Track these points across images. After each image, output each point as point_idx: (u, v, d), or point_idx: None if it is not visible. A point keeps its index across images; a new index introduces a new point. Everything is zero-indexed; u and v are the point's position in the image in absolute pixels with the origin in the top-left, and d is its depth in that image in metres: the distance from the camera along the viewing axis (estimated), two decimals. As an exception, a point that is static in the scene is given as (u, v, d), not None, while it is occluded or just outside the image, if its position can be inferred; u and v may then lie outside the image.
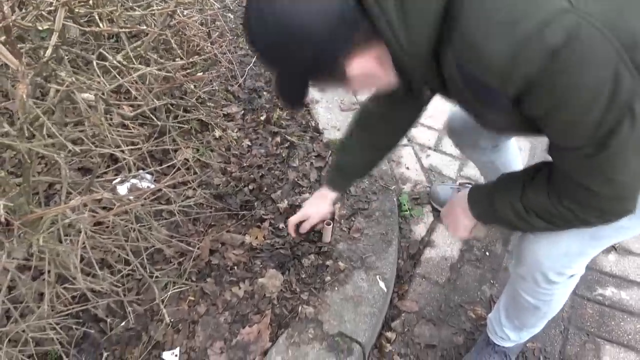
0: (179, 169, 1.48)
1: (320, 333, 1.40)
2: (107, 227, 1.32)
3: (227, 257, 1.56)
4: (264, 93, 2.06)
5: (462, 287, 1.64)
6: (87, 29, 0.88)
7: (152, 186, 1.59)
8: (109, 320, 1.36)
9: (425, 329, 1.54)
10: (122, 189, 1.64)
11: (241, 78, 2.00)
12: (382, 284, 1.52)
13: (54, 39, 0.81)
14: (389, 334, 1.52)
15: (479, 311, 1.57)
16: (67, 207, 0.89)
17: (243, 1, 2.49)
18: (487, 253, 1.74)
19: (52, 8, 0.85)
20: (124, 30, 0.95)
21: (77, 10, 0.91)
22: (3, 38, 0.76)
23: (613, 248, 1.77)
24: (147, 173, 1.69)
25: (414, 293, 1.62)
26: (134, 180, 1.62)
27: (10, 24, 0.73)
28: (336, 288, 1.50)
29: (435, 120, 2.15)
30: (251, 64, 2.10)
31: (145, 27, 1.08)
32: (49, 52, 0.79)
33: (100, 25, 0.96)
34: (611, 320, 1.56)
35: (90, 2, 0.95)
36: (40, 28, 0.81)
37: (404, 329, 1.54)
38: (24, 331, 1.09)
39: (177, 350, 1.38)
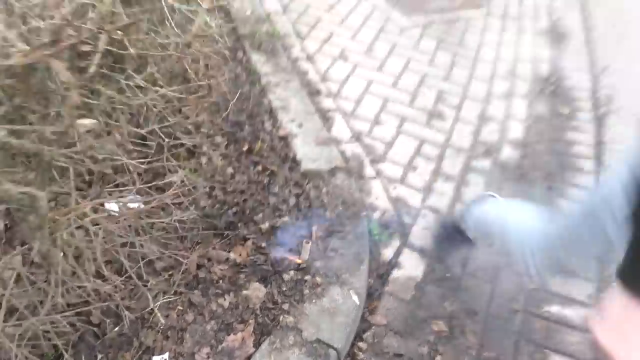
0: (169, 188, 1.61)
1: (299, 340, 1.53)
2: (103, 237, 1.44)
3: (213, 271, 1.69)
4: (246, 126, 2.23)
5: (426, 304, 1.81)
6: (122, 51, 1.04)
7: (142, 205, 1.71)
8: (105, 323, 1.45)
9: (393, 340, 1.69)
10: (113, 206, 1.75)
11: (225, 112, 2.17)
12: (355, 298, 1.68)
13: (97, 59, 0.97)
14: (361, 344, 1.66)
15: (441, 325, 1.74)
16: (88, 205, 1.02)
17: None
18: (448, 274, 1.92)
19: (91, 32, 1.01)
20: (151, 54, 1.11)
21: (113, 36, 1.07)
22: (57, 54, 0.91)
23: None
24: (136, 193, 1.81)
25: (383, 309, 1.78)
26: (126, 199, 1.74)
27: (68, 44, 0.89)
28: (314, 300, 1.64)
29: (402, 156, 2.36)
30: (234, 100, 2.27)
31: (168, 52, 1.25)
32: (92, 69, 0.95)
33: (131, 50, 1.12)
34: (557, 334, 1.76)
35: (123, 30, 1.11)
36: (84, 49, 0.97)
37: (374, 340, 1.68)
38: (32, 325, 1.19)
39: (166, 355, 1.48)
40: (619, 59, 3.21)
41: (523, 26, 3.50)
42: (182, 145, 1.90)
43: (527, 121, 2.68)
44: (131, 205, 1.76)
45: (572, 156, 2.50)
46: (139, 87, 1.21)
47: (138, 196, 1.82)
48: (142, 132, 1.34)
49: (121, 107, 1.23)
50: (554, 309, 1.84)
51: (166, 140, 1.74)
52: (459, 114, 2.65)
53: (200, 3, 1.71)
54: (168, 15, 1.51)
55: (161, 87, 1.31)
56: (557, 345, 1.72)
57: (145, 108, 1.41)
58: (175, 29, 1.51)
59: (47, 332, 1.24)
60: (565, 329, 1.78)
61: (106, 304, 1.40)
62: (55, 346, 1.32)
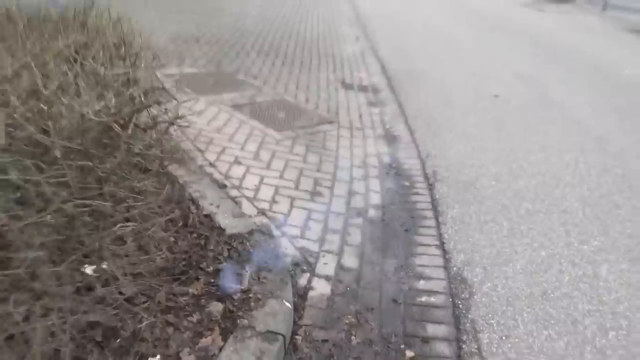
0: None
1: (255, 332, 2.10)
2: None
3: (178, 301, 2.21)
4: (177, 210, 2.84)
5: (337, 308, 2.47)
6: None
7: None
8: (107, 340, 1.90)
9: (320, 332, 2.30)
10: (88, 270, 2.22)
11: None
12: (287, 304, 2.30)
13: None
14: (297, 337, 2.25)
15: (350, 318, 2.40)
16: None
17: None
18: (348, 289, 2.61)
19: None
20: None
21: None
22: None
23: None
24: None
25: (307, 315, 2.40)
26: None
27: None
28: (259, 308, 2.23)
29: (298, 221, 3.10)
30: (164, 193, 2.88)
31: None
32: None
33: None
34: (427, 312, 2.51)
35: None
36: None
37: (305, 334, 2.28)
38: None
39: (157, 357, 1.94)
40: (435, 148, 4.43)
41: (366, 134, 4.65)
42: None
43: (381, 192, 3.63)
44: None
45: (417, 210, 3.45)
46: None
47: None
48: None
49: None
50: (424, 299, 2.61)
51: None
52: (332, 192, 3.52)
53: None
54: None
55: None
56: (429, 318, 2.46)
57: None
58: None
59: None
60: (432, 309, 2.53)
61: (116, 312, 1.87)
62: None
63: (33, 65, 2.12)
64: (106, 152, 2.14)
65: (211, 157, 3.66)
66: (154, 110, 2.35)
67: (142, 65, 2.28)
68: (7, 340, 1.63)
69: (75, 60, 2.59)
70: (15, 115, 1.79)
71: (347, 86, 6.16)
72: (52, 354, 1.70)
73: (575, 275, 2.88)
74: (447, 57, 8.44)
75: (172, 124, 2.55)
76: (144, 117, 2.39)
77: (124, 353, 1.91)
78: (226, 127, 4.20)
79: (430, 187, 3.80)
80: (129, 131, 2.17)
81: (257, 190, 3.36)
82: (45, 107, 1.91)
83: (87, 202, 1.92)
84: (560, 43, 10.77)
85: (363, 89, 6.15)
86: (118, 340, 1.93)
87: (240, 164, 3.65)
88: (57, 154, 1.77)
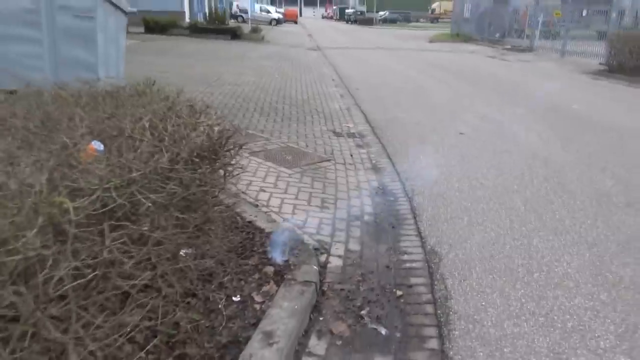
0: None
1: (296, 282, 3.21)
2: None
3: (244, 268, 3.32)
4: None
5: (348, 273, 3.59)
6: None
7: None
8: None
9: (338, 285, 3.42)
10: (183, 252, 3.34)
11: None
12: (315, 267, 3.42)
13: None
14: (323, 287, 3.36)
15: (357, 277, 3.52)
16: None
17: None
18: (355, 262, 3.74)
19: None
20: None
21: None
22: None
23: (406, 255, 3.93)
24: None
25: (328, 277, 3.51)
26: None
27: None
28: (296, 270, 3.35)
29: (314, 228, 4.25)
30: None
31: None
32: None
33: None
34: (408, 272, 3.64)
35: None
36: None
37: (328, 286, 3.39)
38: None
39: (237, 297, 3.04)
40: (412, 174, 5.66)
41: (357, 167, 5.90)
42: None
43: (373, 205, 4.81)
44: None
45: (400, 214, 4.62)
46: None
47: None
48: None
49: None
50: (407, 265, 3.73)
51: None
52: (336, 205, 4.70)
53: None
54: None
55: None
56: (411, 275, 3.58)
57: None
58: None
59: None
60: (413, 270, 3.66)
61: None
62: None
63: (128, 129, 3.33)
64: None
65: (242, 187, 4.84)
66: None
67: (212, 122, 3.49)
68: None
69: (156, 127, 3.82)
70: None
71: (338, 134, 7.46)
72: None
73: (514, 245, 4.05)
74: (421, 106, 9.86)
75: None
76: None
77: (218, 290, 3.02)
78: (248, 167, 5.42)
79: (410, 199, 4.99)
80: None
81: (280, 207, 4.53)
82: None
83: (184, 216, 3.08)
84: (521, 86, 12.34)
85: (351, 135, 7.46)
86: (213, 285, 3.05)
87: (264, 191, 4.83)
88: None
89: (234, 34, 26.10)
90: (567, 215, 4.66)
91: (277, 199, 4.69)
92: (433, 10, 72.21)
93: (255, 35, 28.07)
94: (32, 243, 1.68)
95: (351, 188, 5.21)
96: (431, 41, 32.53)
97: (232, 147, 2.98)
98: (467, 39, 31.58)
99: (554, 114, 9.30)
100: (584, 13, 23.99)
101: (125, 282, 2.16)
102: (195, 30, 26.29)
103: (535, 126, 8.22)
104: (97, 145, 2.63)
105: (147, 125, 2.92)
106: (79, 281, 1.89)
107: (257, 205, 4.49)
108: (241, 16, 46.64)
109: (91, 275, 1.94)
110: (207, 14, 34.05)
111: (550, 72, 16.61)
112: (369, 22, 61.11)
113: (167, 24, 25.55)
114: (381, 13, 68.78)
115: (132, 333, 2.24)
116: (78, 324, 1.95)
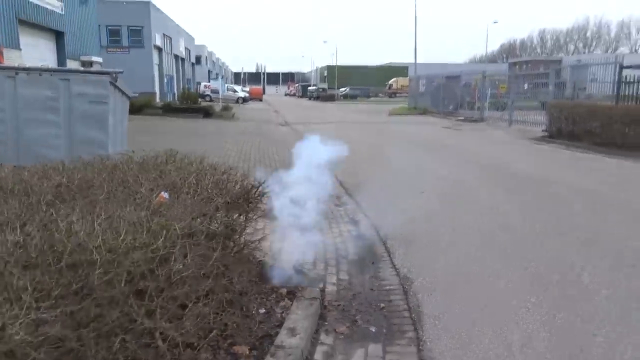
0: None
1: (305, 298, 4.21)
2: None
3: (264, 289, 4.30)
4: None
5: (341, 294, 4.60)
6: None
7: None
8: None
9: (335, 301, 4.42)
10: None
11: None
12: (317, 289, 4.44)
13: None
14: (325, 303, 4.36)
15: (349, 296, 4.54)
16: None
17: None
18: (345, 286, 4.76)
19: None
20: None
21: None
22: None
23: (385, 281, 4.98)
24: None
25: (327, 297, 4.52)
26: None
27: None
28: (304, 291, 4.35)
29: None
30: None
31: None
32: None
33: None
34: (389, 293, 4.69)
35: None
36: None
37: (328, 302, 4.39)
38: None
39: (262, 310, 4.01)
40: (384, 223, 6.83)
41: (338, 221, 7.02)
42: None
43: (355, 247, 5.89)
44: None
45: (377, 253, 5.70)
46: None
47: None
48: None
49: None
50: (387, 287, 4.78)
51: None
52: (326, 249, 5.75)
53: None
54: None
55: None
56: (391, 293, 4.62)
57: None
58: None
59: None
60: (391, 290, 4.70)
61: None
62: None
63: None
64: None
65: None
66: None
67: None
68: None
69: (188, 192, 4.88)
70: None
71: (318, 196, 8.61)
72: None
73: (470, 268, 5.16)
74: (385, 171, 11.19)
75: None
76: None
77: (249, 305, 3.99)
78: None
79: (384, 242, 6.10)
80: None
81: (270, 247, 5.55)
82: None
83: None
84: (473, 151, 13.92)
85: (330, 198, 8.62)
86: (243, 299, 4.01)
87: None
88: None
89: (207, 113, 27.57)
90: (510, 245, 5.84)
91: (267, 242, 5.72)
92: (390, 86, 76.20)
93: (227, 113, 29.71)
94: (162, 247, 2.71)
95: (335, 236, 6.29)
96: (391, 114, 34.90)
97: (257, 194, 4.06)
98: (424, 112, 34.04)
99: (501, 172, 10.78)
100: (526, 86, 26.65)
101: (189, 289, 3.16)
102: (169, 109, 27.64)
103: (484, 182, 9.62)
104: (165, 194, 3.69)
105: (194, 181, 4.01)
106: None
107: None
108: (209, 95, 48.85)
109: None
110: (179, 94, 35.75)
111: (499, 139, 18.50)
112: (330, 98, 64.36)
113: (143, 105, 26.88)
114: (342, 89, 72.72)
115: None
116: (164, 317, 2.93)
